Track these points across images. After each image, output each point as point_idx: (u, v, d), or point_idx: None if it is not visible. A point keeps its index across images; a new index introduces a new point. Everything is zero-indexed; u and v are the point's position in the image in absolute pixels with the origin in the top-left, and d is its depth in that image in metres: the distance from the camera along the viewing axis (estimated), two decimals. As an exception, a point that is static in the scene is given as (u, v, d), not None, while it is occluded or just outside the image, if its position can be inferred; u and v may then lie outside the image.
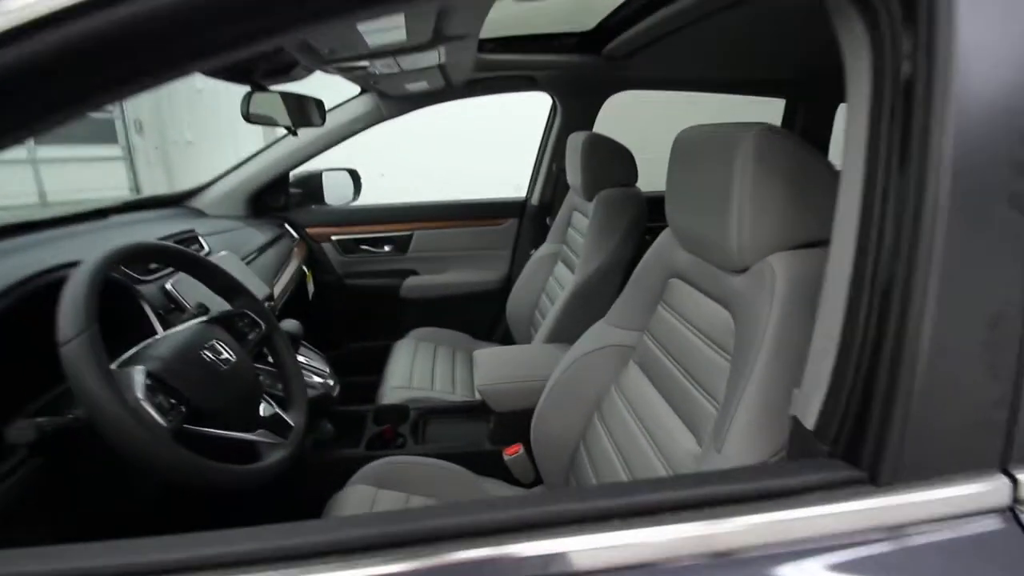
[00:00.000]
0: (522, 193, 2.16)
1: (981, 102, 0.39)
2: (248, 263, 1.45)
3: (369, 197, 2.12)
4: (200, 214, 1.75)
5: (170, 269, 1.05)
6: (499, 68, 1.78)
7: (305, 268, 1.88)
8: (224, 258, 1.31)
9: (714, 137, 0.73)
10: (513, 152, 2.83)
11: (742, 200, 0.65)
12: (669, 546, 0.37)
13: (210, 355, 0.78)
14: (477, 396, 1.33)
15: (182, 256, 0.91)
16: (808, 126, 1.95)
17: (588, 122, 1.94)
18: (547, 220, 2.04)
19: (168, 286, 1.02)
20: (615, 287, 1.48)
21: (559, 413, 1.03)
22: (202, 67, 0.41)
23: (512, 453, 1.22)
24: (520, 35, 1.73)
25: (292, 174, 1.94)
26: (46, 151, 5.91)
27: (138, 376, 0.67)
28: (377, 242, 2.07)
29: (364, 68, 1.23)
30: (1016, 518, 0.40)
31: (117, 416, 0.60)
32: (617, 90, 1.91)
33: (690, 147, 0.80)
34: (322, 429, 1.34)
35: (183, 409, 0.71)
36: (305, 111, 1.49)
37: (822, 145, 1.86)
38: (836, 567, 0.38)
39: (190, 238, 1.30)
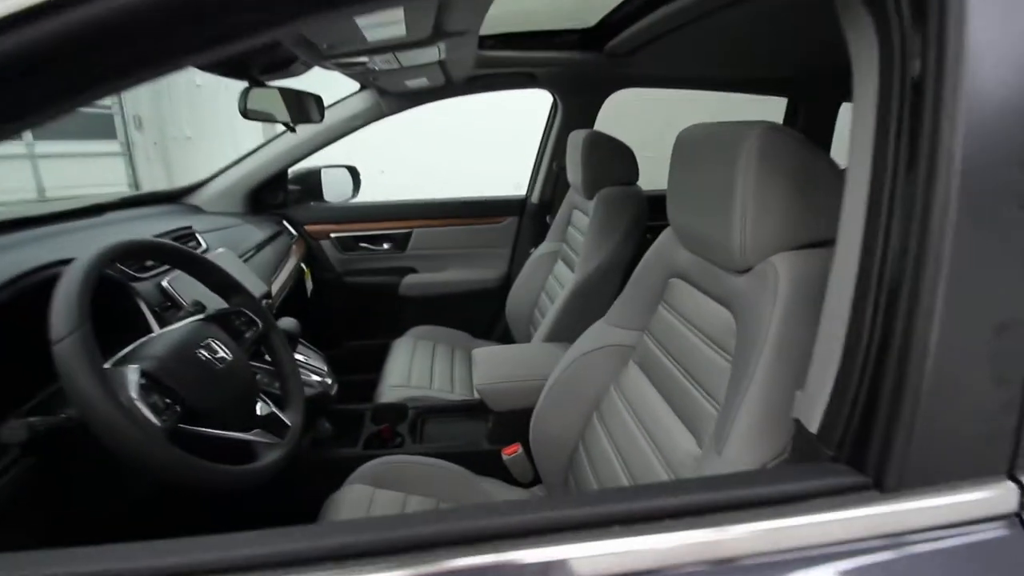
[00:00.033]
0: (522, 191, 2.15)
1: (992, 102, 0.38)
2: (246, 260, 1.44)
3: (368, 194, 2.11)
4: (198, 211, 1.74)
5: (166, 266, 1.04)
6: (500, 65, 1.77)
7: (303, 266, 1.87)
8: (221, 255, 1.30)
9: (717, 135, 0.72)
10: (513, 150, 2.82)
11: (745, 199, 0.64)
12: (671, 553, 0.36)
13: (206, 354, 0.77)
14: (476, 395, 1.32)
15: (178, 253, 0.90)
16: (810, 125, 1.95)
17: (589, 120, 1.93)
18: (547, 218, 2.03)
19: (164, 283, 1.01)
20: (615, 286, 1.47)
21: (558, 413, 1.03)
22: (201, 58, 0.40)
23: (511, 453, 1.22)
24: (521, 31, 1.72)
25: (291, 171, 1.93)
26: (44, 146, 5.89)
27: (132, 375, 0.66)
28: (376, 240, 2.06)
29: (363, 64, 1.21)
30: (1023, 525, 0.39)
31: (110, 416, 0.59)
32: (618, 88, 1.90)
33: (692, 145, 0.79)
34: (320, 428, 1.33)
35: (178, 409, 0.70)
36: (304, 107, 1.48)
37: (824, 144, 1.85)
38: (841, 575, 0.37)
39: (187, 235, 1.29)
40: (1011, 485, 0.39)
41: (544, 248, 1.85)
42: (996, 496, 0.39)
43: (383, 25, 0.87)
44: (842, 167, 0.70)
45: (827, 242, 0.66)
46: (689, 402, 0.77)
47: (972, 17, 0.38)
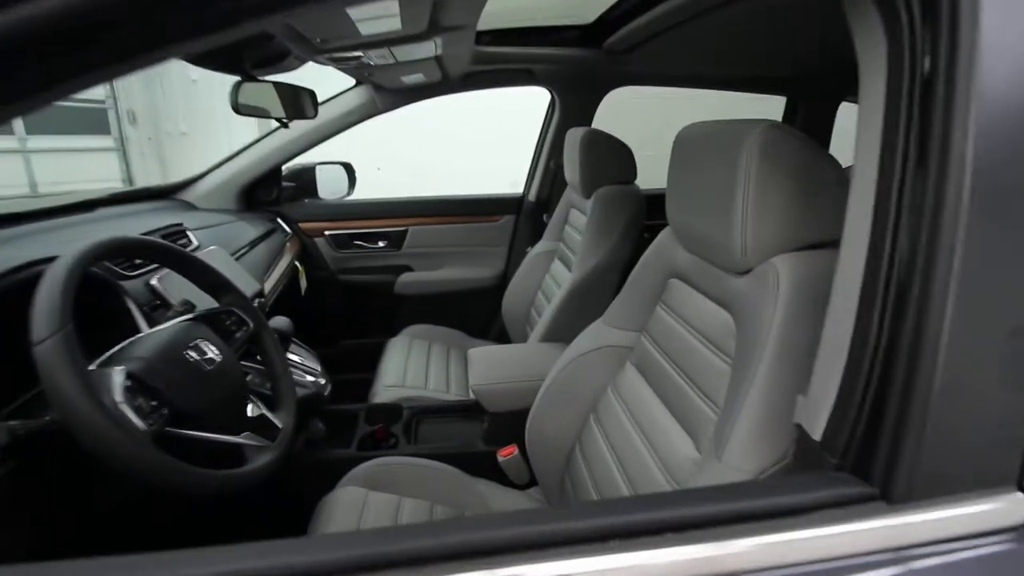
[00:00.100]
0: (519, 189, 2.13)
1: (1005, 99, 0.37)
2: (238, 258, 1.42)
3: (364, 192, 2.09)
4: (190, 207, 1.71)
5: (155, 264, 1.02)
6: (497, 61, 1.75)
7: (298, 263, 1.85)
8: (212, 253, 1.28)
9: (718, 134, 0.71)
10: (510, 147, 2.80)
11: (746, 199, 0.63)
12: (672, 569, 0.35)
13: (194, 355, 0.75)
14: (471, 395, 1.31)
15: (166, 251, 0.88)
16: (809, 124, 1.94)
17: (587, 118, 1.91)
18: (544, 217, 2.02)
19: (153, 282, 0.99)
20: (612, 286, 1.46)
21: (554, 414, 1.02)
22: (187, 48, 0.39)
23: (506, 454, 1.21)
24: (519, 27, 1.70)
25: (285, 167, 1.90)
26: (37, 141, 5.83)
27: (117, 377, 0.64)
28: (371, 237, 2.04)
29: (358, 59, 1.19)
30: (1033, 537, 0.38)
31: (92, 419, 0.57)
32: (616, 85, 1.89)
33: (692, 144, 0.78)
34: (313, 428, 1.32)
35: (165, 411, 0.68)
36: (298, 103, 1.45)
37: (823, 144, 1.85)
38: (847, 590, 0.36)
39: (178, 232, 1.27)
40: (1020, 496, 0.38)
41: (541, 247, 1.84)
42: (1005, 508, 0.38)
43: (377, 18, 0.85)
44: (843, 166, 0.70)
45: (829, 243, 0.65)
46: (687, 405, 0.76)
47: (984, 13, 0.36)
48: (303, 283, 1.90)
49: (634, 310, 0.95)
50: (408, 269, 2.08)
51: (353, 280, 2.05)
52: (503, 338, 1.97)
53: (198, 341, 0.78)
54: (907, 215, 0.39)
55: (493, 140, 4.08)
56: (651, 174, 1.71)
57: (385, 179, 3.45)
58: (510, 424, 1.20)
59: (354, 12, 0.81)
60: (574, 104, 1.91)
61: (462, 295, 2.09)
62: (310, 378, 1.29)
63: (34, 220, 1.12)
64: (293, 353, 1.29)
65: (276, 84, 1.34)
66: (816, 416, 0.44)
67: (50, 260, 0.71)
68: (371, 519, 0.98)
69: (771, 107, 2.02)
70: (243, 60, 1.19)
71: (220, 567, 0.35)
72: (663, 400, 0.82)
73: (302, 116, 1.51)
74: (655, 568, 0.35)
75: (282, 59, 1.22)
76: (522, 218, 2.09)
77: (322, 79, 1.56)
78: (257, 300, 1.30)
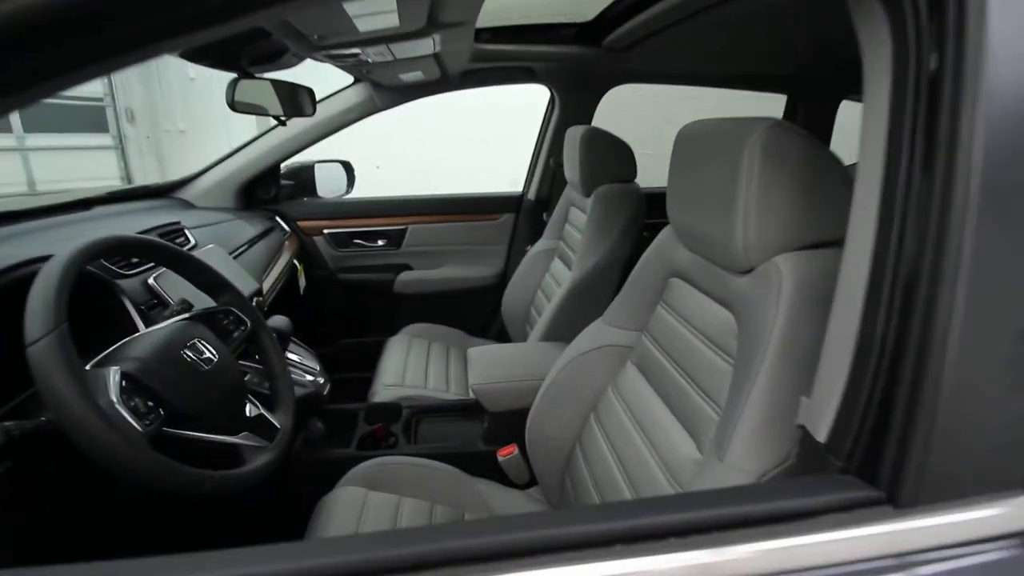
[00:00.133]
0: (518, 187, 2.12)
1: (1014, 96, 0.36)
2: (237, 257, 1.41)
3: (363, 190, 2.08)
4: (188, 205, 1.70)
5: (153, 263, 1.02)
6: (496, 59, 1.74)
7: (296, 262, 1.84)
8: (210, 251, 1.27)
9: (720, 132, 0.70)
10: (510, 145, 2.79)
11: (749, 198, 0.62)
12: (675, 574, 0.34)
13: (191, 355, 0.75)
14: (471, 395, 1.30)
15: (162, 250, 0.87)
16: (809, 122, 1.93)
17: (587, 116, 1.91)
18: (544, 215, 2.01)
19: (151, 281, 0.99)
20: (613, 285, 1.46)
21: (555, 414, 1.01)
22: (180, 44, 0.38)
23: (506, 454, 1.20)
24: (518, 25, 1.69)
25: (283, 165, 1.90)
26: (35, 139, 5.81)
27: (113, 377, 0.64)
28: (371, 236, 2.04)
29: (356, 56, 1.18)
30: (1040, 542, 0.37)
31: (87, 420, 0.56)
32: (617, 83, 1.88)
33: (694, 142, 0.77)
34: (312, 428, 1.31)
35: (161, 412, 0.68)
36: (296, 100, 1.45)
37: (823, 142, 1.84)
38: (852, 596, 0.35)
39: (175, 231, 1.26)
40: (1027, 500, 0.38)
41: (541, 245, 1.83)
42: (1014, 513, 0.37)
43: (375, 14, 0.84)
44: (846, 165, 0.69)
45: (832, 243, 0.65)
46: (688, 405, 0.75)
47: (992, 9, 0.36)
48: (302, 282, 1.89)
49: (634, 309, 0.95)
50: (407, 268, 2.07)
51: (352, 279, 2.04)
52: (503, 337, 1.97)
53: (195, 341, 0.77)
54: (913, 214, 0.39)
55: (493, 138, 4.07)
56: (651, 173, 1.70)
57: (384, 177, 3.44)
58: (510, 423, 1.19)
59: (351, 8, 0.80)
60: (574, 102, 1.90)
61: (462, 294, 2.08)
62: (309, 377, 1.28)
63: (31, 218, 1.11)
64: (292, 352, 1.28)
65: (274, 81, 1.34)
66: (821, 417, 0.44)
67: (45, 259, 0.70)
68: (371, 519, 0.98)
69: (772, 106, 2.02)
70: (240, 57, 1.18)
71: (220, 572, 0.34)
72: (664, 400, 0.82)
73: (300, 114, 1.50)
74: (659, 574, 0.34)
75: (279, 56, 1.21)
76: (522, 216, 2.08)
77: (320, 76, 1.55)
78: (255, 299, 1.29)
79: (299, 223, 1.96)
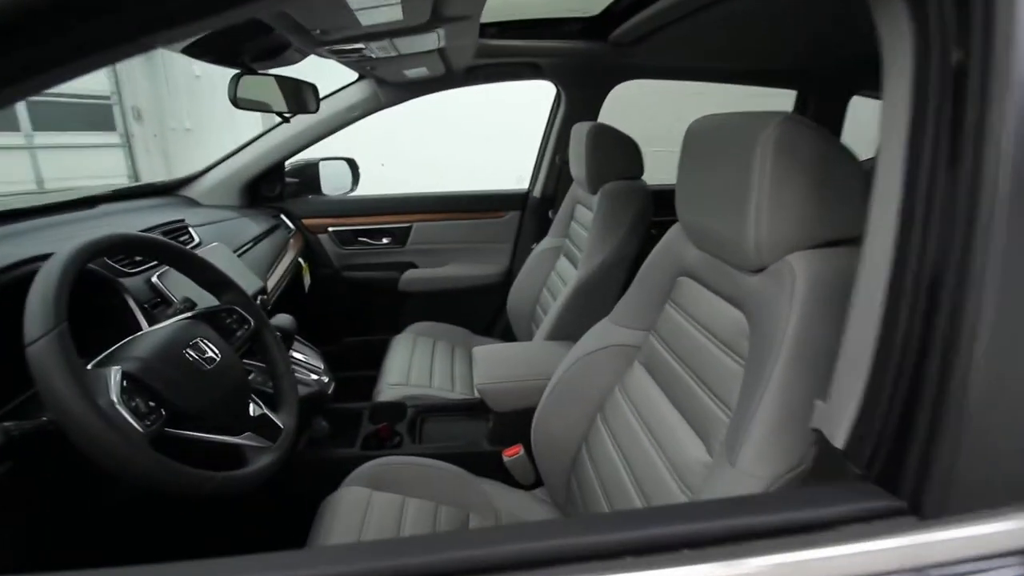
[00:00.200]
0: (524, 183, 2.11)
1: None
2: (241, 255, 1.41)
3: (368, 187, 2.07)
4: (193, 203, 1.70)
5: (156, 261, 1.01)
6: (501, 54, 1.72)
7: (301, 260, 1.84)
8: (214, 249, 1.27)
9: (731, 127, 0.68)
10: (516, 141, 2.78)
11: (761, 195, 0.60)
12: (687, 588, 0.33)
13: (193, 354, 0.74)
14: (476, 394, 1.29)
15: (164, 248, 0.86)
16: (819, 118, 1.90)
17: (593, 112, 1.89)
18: (549, 213, 1.99)
19: (154, 279, 0.98)
20: (619, 283, 1.44)
21: (561, 414, 1.00)
22: (175, 35, 0.37)
23: (512, 454, 1.19)
24: (523, 20, 1.67)
25: (288, 163, 1.89)
26: (43, 138, 5.85)
27: (113, 377, 0.63)
28: (375, 234, 2.03)
29: (360, 51, 1.17)
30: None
31: (87, 420, 0.56)
32: (623, 79, 1.86)
33: (704, 137, 0.75)
34: (317, 427, 1.30)
35: (163, 412, 0.67)
36: (299, 96, 1.44)
37: (834, 138, 1.81)
38: (874, 611, 0.34)
39: (179, 228, 1.26)
40: (1059, 510, 0.36)
41: (546, 243, 1.81)
42: (1043, 523, 0.35)
43: (377, 7, 0.83)
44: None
45: (846, 240, 0.63)
46: (698, 406, 0.74)
47: None
48: (307, 280, 1.89)
49: (642, 308, 0.93)
50: (412, 266, 2.06)
51: (357, 277, 2.03)
52: (508, 335, 1.96)
53: (197, 340, 0.76)
54: (938, 210, 0.37)
55: (498, 134, 4.06)
56: (658, 170, 1.68)
57: (389, 175, 3.43)
58: (515, 423, 1.18)
59: (354, 1, 0.79)
60: (580, 98, 1.88)
61: (467, 292, 2.07)
62: (314, 376, 1.27)
63: (35, 216, 1.11)
64: (296, 351, 1.28)
65: (278, 78, 1.33)
66: (838, 422, 0.42)
67: (46, 257, 0.69)
68: (375, 520, 0.97)
69: (782, 102, 1.99)
70: (243, 53, 1.17)
71: None
72: (672, 401, 0.80)
73: (304, 110, 1.49)
74: (671, 587, 0.33)
75: (282, 52, 1.20)
76: (527, 214, 2.06)
77: (324, 73, 1.54)
78: (260, 297, 1.28)
79: (304, 221, 1.96)
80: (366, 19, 0.89)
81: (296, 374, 1.04)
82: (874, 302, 0.41)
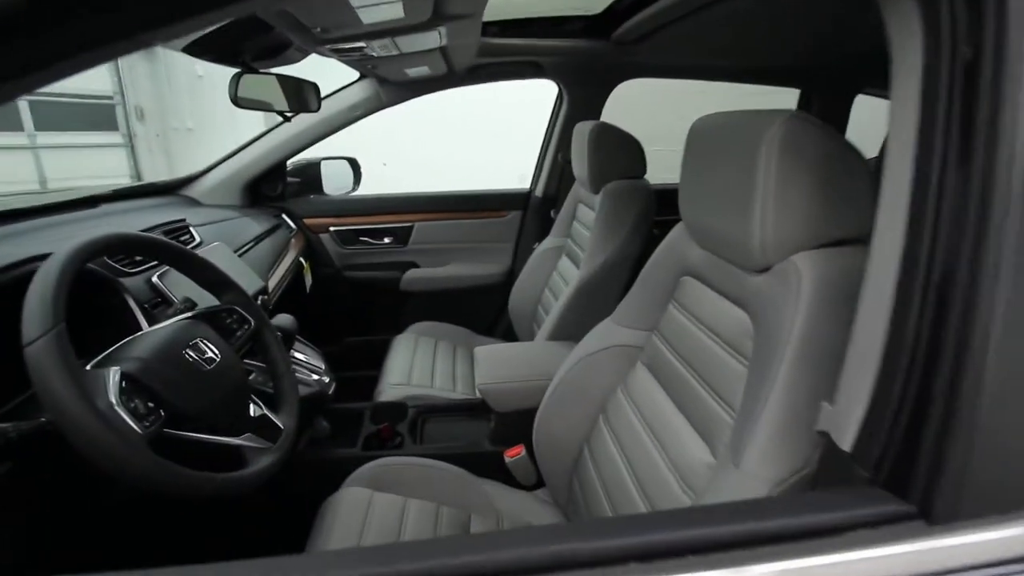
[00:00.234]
0: (527, 182, 2.10)
1: None
2: (242, 254, 1.40)
3: (369, 187, 2.07)
4: (194, 203, 1.70)
5: (156, 261, 1.01)
6: (504, 53, 1.72)
7: (303, 260, 1.84)
8: (215, 249, 1.26)
9: (735, 125, 0.68)
10: (517, 140, 2.77)
11: (766, 194, 0.59)
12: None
13: (193, 354, 0.73)
14: (478, 394, 1.29)
15: (164, 248, 0.86)
16: (823, 117, 1.88)
17: (595, 111, 1.88)
18: (551, 213, 1.99)
19: (154, 279, 0.98)
20: (621, 283, 1.43)
21: (563, 415, 0.99)
22: (172, 32, 0.36)
23: (513, 455, 1.18)
24: (526, 18, 1.67)
25: (290, 163, 1.89)
26: (47, 137, 5.87)
27: (112, 378, 0.62)
28: (377, 233, 2.02)
29: (361, 50, 1.17)
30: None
31: (84, 421, 0.55)
32: (626, 78, 1.85)
33: (708, 136, 0.74)
34: (318, 427, 1.30)
35: (162, 413, 0.66)
36: (301, 95, 1.43)
37: (838, 137, 1.80)
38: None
39: (180, 228, 1.26)
40: (1073, 515, 0.35)
41: (548, 243, 1.81)
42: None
43: (378, 5, 0.82)
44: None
45: (852, 240, 0.62)
46: (701, 407, 0.73)
47: None
48: (308, 280, 1.88)
49: (645, 309, 0.92)
50: (414, 265, 2.06)
51: (358, 276, 2.03)
52: (510, 335, 1.95)
53: (197, 340, 0.76)
54: (949, 209, 0.36)
55: (500, 133, 4.05)
56: (660, 169, 1.68)
57: (391, 174, 3.43)
58: (517, 424, 1.17)
59: (355, -1, 0.78)
60: (582, 97, 1.87)
61: (468, 292, 2.06)
62: (314, 376, 1.27)
63: (36, 216, 1.11)
64: (297, 351, 1.27)
65: (279, 76, 1.32)
66: (845, 424, 0.42)
67: (45, 257, 0.69)
68: (376, 521, 0.96)
69: (786, 100, 1.98)
70: (243, 52, 1.16)
71: None
72: (675, 402, 0.80)
73: (305, 109, 1.49)
74: (675, 594, 0.32)
75: (283, 50, 1.19)
76: (529, 214, 2.06)
77: (325, 72, 1.54)
78: (261, 297, 1.28)
79: (305, 220, 1.96)
80: (367, 17, 0.88)
81: (297, 374, 1.04)
82: (883, 302, 0.40)
